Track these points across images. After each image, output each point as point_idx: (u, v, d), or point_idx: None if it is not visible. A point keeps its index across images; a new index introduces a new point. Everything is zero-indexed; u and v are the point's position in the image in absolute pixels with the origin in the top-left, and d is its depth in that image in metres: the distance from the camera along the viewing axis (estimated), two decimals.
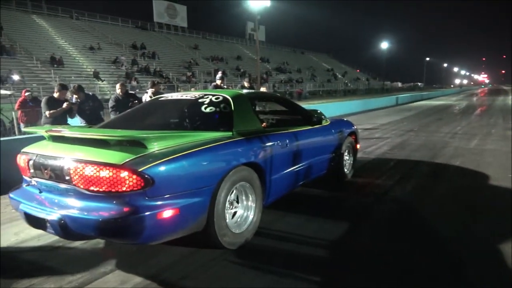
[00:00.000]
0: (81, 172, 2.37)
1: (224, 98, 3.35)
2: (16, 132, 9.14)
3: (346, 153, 4.90)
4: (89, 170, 2.33)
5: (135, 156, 2.33)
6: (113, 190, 2.31)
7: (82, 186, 2.39)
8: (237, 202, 3.05)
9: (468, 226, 3.36)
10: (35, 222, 2.58)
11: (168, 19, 46.62)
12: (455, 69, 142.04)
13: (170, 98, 3.91)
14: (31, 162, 2.70)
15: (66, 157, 2.49)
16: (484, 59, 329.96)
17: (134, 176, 2.27)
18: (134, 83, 26.58)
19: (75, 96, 6.28)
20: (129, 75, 28.35)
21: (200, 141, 2.73)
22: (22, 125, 8.97)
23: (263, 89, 8.89)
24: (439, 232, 3.25)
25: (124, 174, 2.27)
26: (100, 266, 2.68)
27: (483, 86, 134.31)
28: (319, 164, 4.24)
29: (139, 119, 3.62)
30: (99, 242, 3.09)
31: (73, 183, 2.43)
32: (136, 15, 43.96)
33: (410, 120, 13.55)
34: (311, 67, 57.78)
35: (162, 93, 8.19)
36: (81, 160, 2.40)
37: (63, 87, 6.20)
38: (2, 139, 5.73)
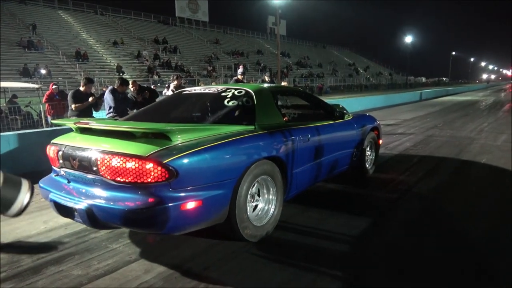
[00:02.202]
0: (108, 163, 2.42)
1: (247, 92, 3.36)
2: (44, 125, 9.44)
3: (368, 149, 4.85)
4: (116, 162, 2.39)
5: (160, 148, 2.38)
6: (138, 181, 2.36)
7: (108, 177, 2.45)
8: (259, 195, 3.07)
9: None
10: (64, 211, 2.68)
11: (190, 14, 46.99)
12: (483, 64, 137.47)
13: (193, 92, 3.94)
14: (60, 153, 2.77)
15: (94, 149, 2.54)
16: None
17: (159, 168, 2.31)
18: (155, 77, 26.98)
19: (132, 88, 6.82)
20: (151, 69, 28.77)
21: (223, 135, 2.75)
22: (49, 118, 9.26)
23: (283, 84, 8.85)
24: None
25: (149, 165, 2.31)
26: (125, 255, 2.75)
27: None
28: (341, 159, 4.20)
29: (163, 112, 3.68)
30: (123, 232, 3.17)
31: (100, 173, 2.48)
32: (158, 10, 44.48)
33: (434, 116, 13.22)
34: (332, 61, 57.16)
35: (184, 87, 8.29)
36: (108, 151, 2.46)
37: (89, 81, 6.39)
38: (28, 131, 5.94)
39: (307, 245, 2.87)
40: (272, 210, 3.10)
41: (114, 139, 2.55)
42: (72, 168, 2.69)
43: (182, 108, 3.78)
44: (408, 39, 55.00)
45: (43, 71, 22.38)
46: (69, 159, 2.70)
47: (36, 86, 13.32)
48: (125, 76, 25.98)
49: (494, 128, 9.60)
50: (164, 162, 2.31)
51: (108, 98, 6.49)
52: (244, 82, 9.40)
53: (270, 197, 3.11)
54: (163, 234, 2.94)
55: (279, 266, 2.55)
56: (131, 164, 2.35)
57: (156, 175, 2.33)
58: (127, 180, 2.39)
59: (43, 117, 9.62)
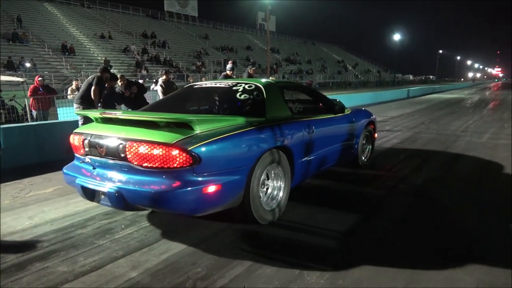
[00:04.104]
0: (135, 150, 2.63)
1: (257, 86, 3.57)
2: (29, 119, 9.26)
3: (365, 141, 5.16)
4: (143, 149, 2.59)
5: (184, 136, 2.59)
6: (165, 166, 2.57)
7: (136, 163, 2.65)
8: (270, 182, 3.30)
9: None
10: (90, 194, 2.87)
11: (179, 8, 46.54)
12: (468, 62, 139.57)
13: (204, 86, 4.13)
14: (86, 141, 2.95)
15: (121, 137, 2.73)
16: (498, 52, 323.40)
17: (184, 154, 2.53)
18: (144, 72, 26.68)
19: (120, 82, 6.72)
20: (139, 64, 28.44)
21: (238, 125, 2.97)
22: (34, 112, 9.08)
23: (271, 79, 8.84)
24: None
25: (175, 152, 2.53)
26: (112, 251, 2.73)
27: (496, 80, 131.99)
28: (341, 150, 4.44)
29: (178, 104, 3.93)
30: (110, 228, 3.14)
31: (128, 159, 2.68)
32: (147, 4, 43.85)
33: (421, 113, 13.39)
34: (321, 58, 57.33)
35: (173, 82, 8.22)
36: (135, 139, 2.65)
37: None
38: (13, 125, 5.82)
39: (294, 240, 2.89)
40: (280, 196, 3.32)
41: (139, 128, 2.75)
42: (99, 155, 2.88)
43: (196, 100, 4.06)
44: (397, 37, 55.50)
45: (28, 65, 21.93)
46: (96, 147, 2.89)
47: (21, 79, 13.04)
48: (113, 71, 25.64)
49: (479, 126, 9.77)
50: (188, 149, 2.53)
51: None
52: (233, 78, 9.38)
53: (279, 184, 3.33)
54: (187, 215, 3.09)
55: (266, 261, 2.55)
56: (158, 151, 2.55)
57: (181, 160, 2.54)
58: (154, 166, 2.59)
59: (28, 111, 9.43)
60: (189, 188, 2.54)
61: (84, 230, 3.13)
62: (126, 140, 2.68)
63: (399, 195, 4.02)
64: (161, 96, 7.64)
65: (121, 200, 2.65)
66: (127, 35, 34.70)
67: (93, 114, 3.14)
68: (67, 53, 25.78)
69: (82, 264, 2.54)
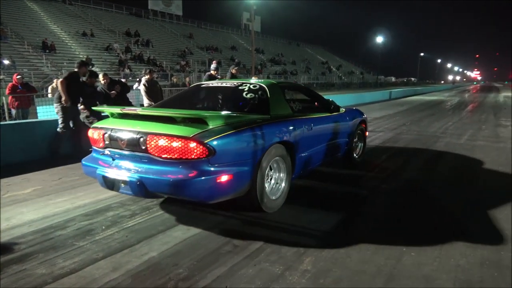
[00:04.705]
0: (155, 143, 2.88)
1: (261, 86, 3.86)
2: (7, 118, 9.02)
3: (357, 139, 5.43)
4: (163, 141, 2.85)
5: (201, 131, 2.85)
6: (183, 157, 2.84)
7: (156, 154, 2.91)
8: (273, 174, 3.56)
9: None
10: (110, 183, 3.12)
11: (163, 7, 46.04)
12: (449, 65, 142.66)
13: (211, 85, 4.44)
14: (106, 135, 3.20)
15: (141, 131, 2.97)
16: (477, 56, 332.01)
17: (201, 147, 2.79)
18: (127, 70, 26.31)
19: (103, 81, 6.67)
20: (122, 62, 28.03)
21: (246, 121, 3.24)
22: (13, 110, 8.85)
23: (254, 79, 8.82)
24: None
25: (193, 145, 2.79)
26: (92, 253, 2.70)
27: (475, 83, 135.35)
28: (336, 146, 4.76)
29: (187, 102, 4.20)
30: (91, 229, 3.10)
31: (148, 151, 2.93)
32: (130, 2, 43.20)
33: (402, 115, 13.63)
34: (306, 59, 57.64)
35: (157, 82, 8.15)
36: (156, 133, 2.89)
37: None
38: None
39: (277, 240, 2.90)
40: (282, 187, 3.61)
41: (158, 123, 2.99)
42: (119, 147, 3.12)
43: (204, 98, 4.36)
44: (379, 39, 56.33)
45: (6, 62, 21.32)
46: (116, 140, 3.13)
47: None
48: (95, 69, 25.20)
49: (458, 127, 10.01)
50: (205, 142, 2.79)
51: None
52: (218, 78, 9.36)
53: (281, 175, 3.61)
54: (202, 202, 3.25)
55: (248, 261, 2.56)
56: (177, 144, 2.82)
57: (198, 152, 2.81)
58: (172, 157, 2.86)
59: (6, 109, 9.18)
60: (204, 177, 2.81)
61: (64, 231, 3.08)
62: (147, 133, 2.93)
63: (381, 196, 4.09)
64: (144, 96, 7.54)
65: (142, 188, 2.89)
66: (110, 33, 34.14)
67: (113, 110, 3.36)
68: (47, 51, 25.17)
69: (61, 266, 2.50)
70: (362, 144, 5.65)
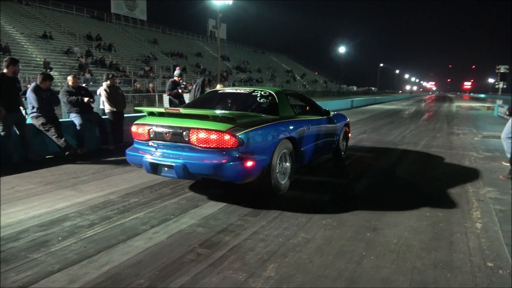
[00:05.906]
0: (196, 135, 3.65)
1: (270, 93, 4.74)
2: None
3: (342, 139, 6.33)
4: (203, 134, 3.62)
5: (232, 126, 3.61)
6: (219, 146, 3.60)
7: (196, 144, 3.67)
8: (281, 163, 4.26)
9: None
10: (154, 168, 3.86)
11: (127, 11, 45.12)
12: (406, 76, 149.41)
13: (226, 91, 5.40)
14: (151, 130, 3.95)
15: (183, 126, 3.72)
16: (432, 74, 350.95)
17: (233, 138, 3.56)
18: (88, 75, 25.45)
19: (71, 83, 6.71)
20: (83, 66, 27.11)
21: (264, 120, 4.09)
22: None
23: (219, 86, 8.83)
24: None
25: (227, 137, 3.56)
26: (47, 265, 2.57)
27: (430, 93, 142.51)
28: (327, 144, 5.73)
29: (209, 104, 4.93)
30: (46, 240, 2.96)
31: (190, 142, 3.70)
32: (92, 5, 41.91)
33: (363, 123, 14.10)
34: (271, 67, 58.38)
35: (119, 87, 7.96)
36: (196, 128, 3.65)
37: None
38: None
39: (240, 246, 2.91)
40: (288, 173, 4.38)
41: (194, 120, 3.74)
42: (164, 139, 3.87)
43: (223, 102, 5.15)
44: (342, 49, 58.18)
45: None
46: (161, 133, 3.87)
47: None
48: (54, 73, 24.16)
49: (414, 135, 10.49)
50: (236, 134, 3.56)
51: (30, 98, 5.95)
52: (182, 84, 9.30)
53: (287, 165, 4.39)
54: (232, 182, 3.78)
55: (212, 269, 2.54)
56: (214, 136, 3.59)
57: (231, 143, 3.57)
58: (210, 146, 3.63)
59: None
60: (235, 162, 3.55)
61: (16, 243, 2.92)
62: (189, 128, 3.67)
63: (348, 200, 4.21)
64: (105, 101, 7.30)
65: (186, 171, 3.62)
66: (69, 36, 32.91)
67: (158, 110, 4.09)
68: (1, 53, 23.88)
69: (13, 280, 2.36)
70: (346, 142, 6.69)
